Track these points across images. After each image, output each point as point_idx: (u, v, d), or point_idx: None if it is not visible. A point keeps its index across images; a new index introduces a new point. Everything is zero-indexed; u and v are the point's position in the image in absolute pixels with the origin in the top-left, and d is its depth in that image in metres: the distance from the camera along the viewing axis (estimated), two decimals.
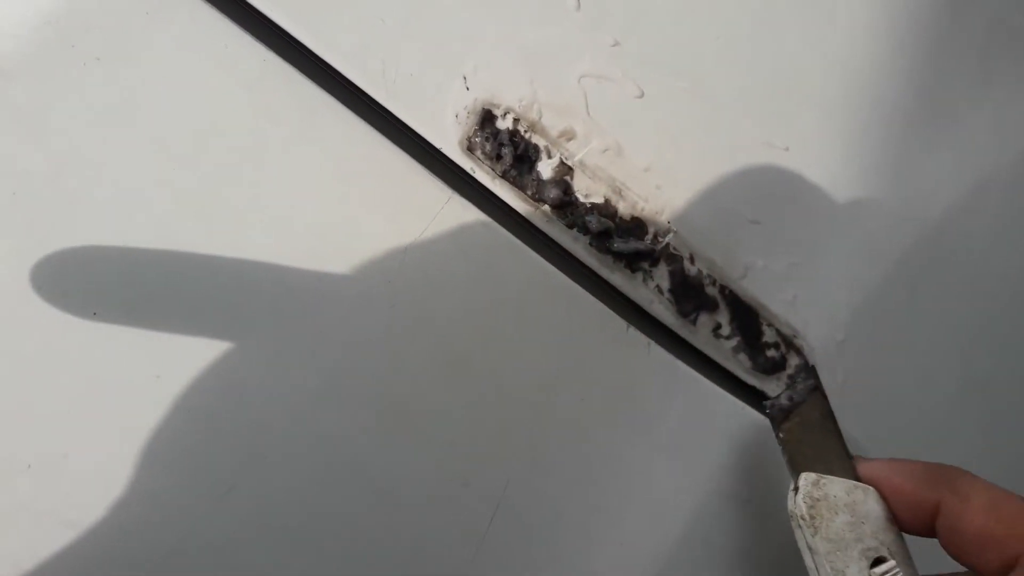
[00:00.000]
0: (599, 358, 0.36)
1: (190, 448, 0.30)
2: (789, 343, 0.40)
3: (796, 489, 0.33)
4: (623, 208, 0.36)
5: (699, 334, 0.38)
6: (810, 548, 0.33)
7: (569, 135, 0.35)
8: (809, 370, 0.37)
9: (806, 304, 0.41)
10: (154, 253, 0.30)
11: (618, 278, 0.37)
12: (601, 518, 0.36)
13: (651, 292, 0.37)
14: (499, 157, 0.34)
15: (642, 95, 0.36)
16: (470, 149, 0.34)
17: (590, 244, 0.36)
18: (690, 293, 0.38)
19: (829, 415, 0.35)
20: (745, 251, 0.39)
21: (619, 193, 0.36)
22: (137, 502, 0.29)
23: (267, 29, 0.31)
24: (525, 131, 0.35)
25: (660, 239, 0.37)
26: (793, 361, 0.40)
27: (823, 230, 0.41)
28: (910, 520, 0.33)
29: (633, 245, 0.36)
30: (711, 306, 0.38)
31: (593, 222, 0.35)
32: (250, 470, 0.30)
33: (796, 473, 0.34)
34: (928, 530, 0.32)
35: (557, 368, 0.35)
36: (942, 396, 0.46)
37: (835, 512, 0.33)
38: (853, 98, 0.42)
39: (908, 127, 0.44)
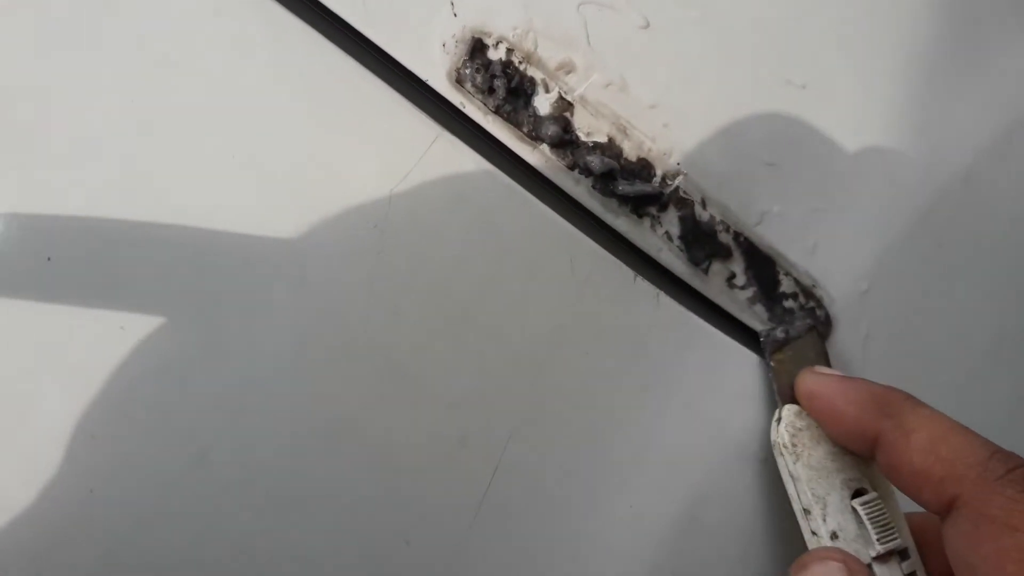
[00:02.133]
0: (604, 310, 0.34)
1: (160, 406, 0.28)
2: (808, 293, 0.37)
3: (779, 419, 0.34)
4: (628, 148, 0.34)
5: (712, 284, 0.36)
6: (792, 476, 0.33)
7: (568, 67, 0.33)
8: (809, 311, 0.36)
9: (827, 253, 0.38)
10: (116, 195, 0.27)
11: (623, 224, 0.34)
12: (608, 478, 0.34)
13: (660, 239, 0.35)
14: (491, 90, 0.32)
15: (647, 25, 0.34)
16: (459, 82, 0.31)
17: (593, 187, 0.33)
18: (702, 240, 0.35)
19: (823, 355, 0.35)
20: (761, 196, 0.37)
21: (624, 132, 0.34)
22: (100, 465, 0.27)
23: None
24: (520, 62, 0.32)
25: (669, 182, 0.35)
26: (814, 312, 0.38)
27: (844, 175, 0.39)
28: (851, 447, 0.32)
29: (639, 188, 0.34)
30: (724, 254, 0.36)
31: (596, 162, 0.33)
32: (227, 431, 0.28)
33: (782, 403, 0.34)
34: (869, 455, 0.32)
35: (559, 320, 0.33)
36: (973, 350, 0.43)
37: (817, 442, 0.33)
38: (877, 35, 0.39)
39: (935, 68, 0.41)
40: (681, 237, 0.35)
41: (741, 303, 0.36)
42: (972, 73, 0.42)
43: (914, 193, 0.41)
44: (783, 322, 0.36)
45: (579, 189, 0.33)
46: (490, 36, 0.32)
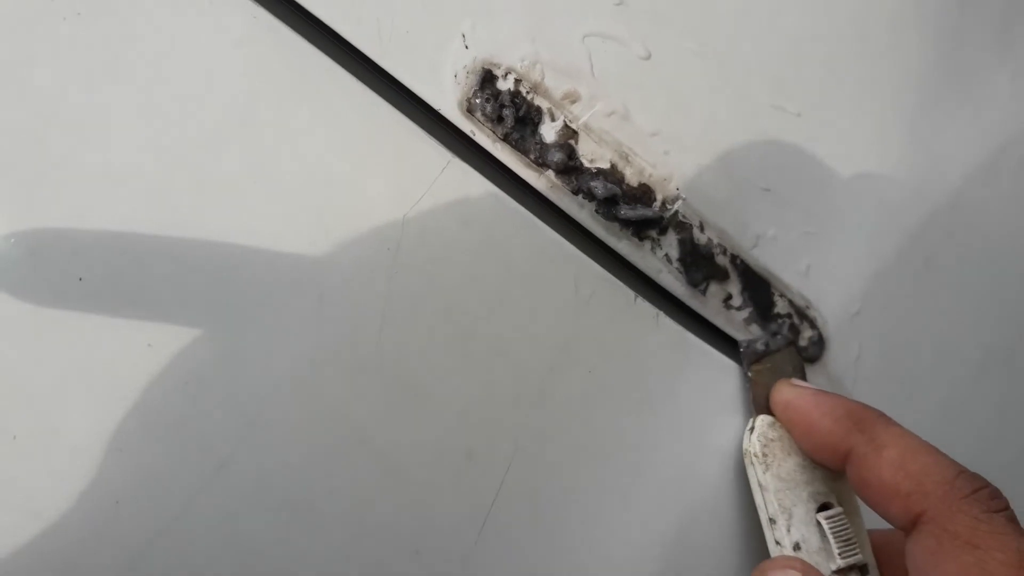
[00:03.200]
0: (606, 329, 0.35)
1: (183, 420, 0.29)
2: (802, 314, 0.39)
3: (752, 429, 0.35)
4: (630, 174, 0.35)
5: (709, 305, 0.37)
6: (760, 485, 0.34)
7: (573, 97, 0.34)
8: (792, 328, 0.37)
9: (820, 275, 0.40)
10: (142, 218, 0.29)
11: (625, 246, 0.35)
12: (609, 493, 0.35)
13: (659, 261, 0.36)
14: (500, 119, 0.33)
15: (649, 56, 0.35)
16: (470, 111, 0.33)
17: (596, 211, 0.35)
18: (700, 262, 0.37)
19: (800, 370, 0.36)
20: (756, 219, 0.38)
21: (626, 158, 0.35)
22: (126, 477, 0.28)
23: None
24: (527, 92, 0.33)
25: (669, 206, 0.36)
26: (806, 333, 0.39)
27: (837, 198, 0.40)
28: (822, 459, 0.33)
29: (641, 212, 0.35)
30: (721, 276, 0.37)
31: (599, 188, 0.34)
32: (246, 443, 0.29)
33: (756, 414, 0.35)
34: (839, 469, 0.33)
35: (563, 339, 0.34)
36: (961, 371, 0.45)
37: (788, 454, 0.34)
38: (868, 65, 0.41)
39: (924, 92, 0.42)
40: (680, 259, 0.36)
41: (737, 323, 0.37)
42: (959, 100, 0.43)
43: (904, 216, 0.42)
44: (763, 335, 0.37)
45: (583, 213, 0.35)
46: (499, 67, 0.33)
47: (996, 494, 0.29)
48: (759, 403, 0.35)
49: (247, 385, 0.29)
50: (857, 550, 0.33)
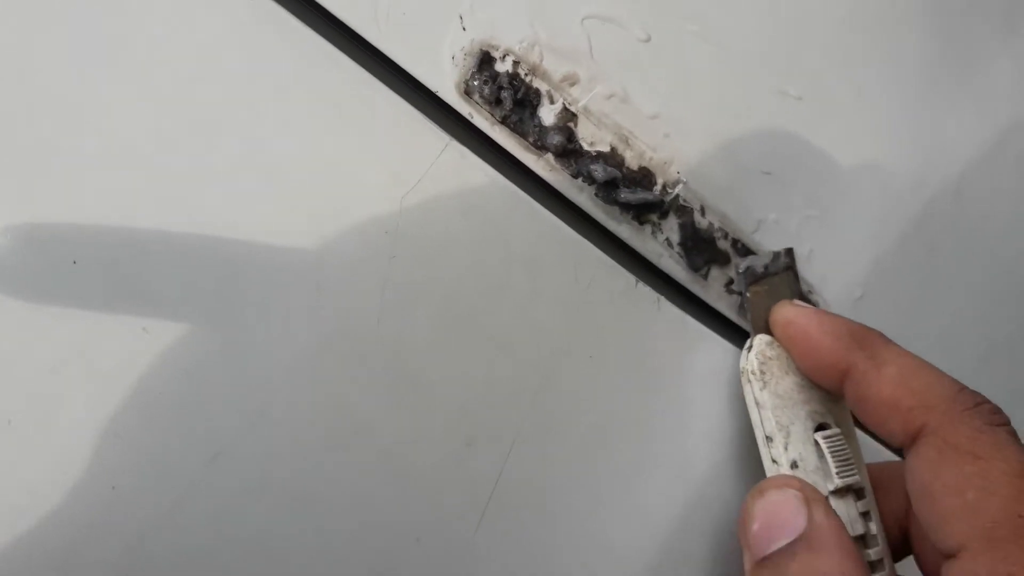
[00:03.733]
0: (607, 314, 0.35)
1: (181, 406, 0.29)
2: (804, 299, 0.38)
3: (750, 347, 0.34)
4: (630, 157, 0.35)
5: (710, 289, 0.37)
6: (757, 402, 0.33)
7: (572, 80, 0.34)
8: (788, 252, 0.36)
9: (822, 260, 0.39)
10: (137, 202, 0.28)
11: (625, 230, 0.35)
12: (610, 479, 0.34)
13: (660, 245, 0.36)
14: (498, 101, 0.33)
15: (649, 38, 0.35)
16: (467, 93, 0.32)
17: (596, 194, 0.34)
18: (701, 247, 0.36)
19: (798, 293, 0.36)
20: (758, 204, 0.38)
21: (626, 141, 0.35)
22: (124, 463, 0.28)
23: None
24: (526, 75, 0.33)
25: (669, 190, 0.36)
26: None
27: (839, 183, 0.40)
28: (820, 378, 0.33)
29: (641, 196, 0.35)
30: (723, 260, 0.37)
31: (599, 171, 0.34)
32: (244, 430, 0.29)
33: (755, 334, 0.34)
34: (837, 390, 0.32)
35: (563, 325, 0.34)
36: (964, 359, 0.44)
37: (785, 372, 0.34)
38: (870, 46, 0.41)
39: (927, 78, 0.42)
40: (681, 244, 0.36)
41: (738, 308, 0.37)
42: (963, 86, 0.43)
43: (906, 202, 0.42)
44: (764, 256, 0.36)
45: (582, 197, 0.34)
46: (497, 49, 0.33)
47: (997, 409, 0.29)
48: (757, 324, 0.35)
49: (245, 372, 0.29)
50: (855, 471, 0.33)
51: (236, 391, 0.29)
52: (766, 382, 0.33)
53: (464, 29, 0.32)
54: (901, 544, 0.34)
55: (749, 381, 0.33)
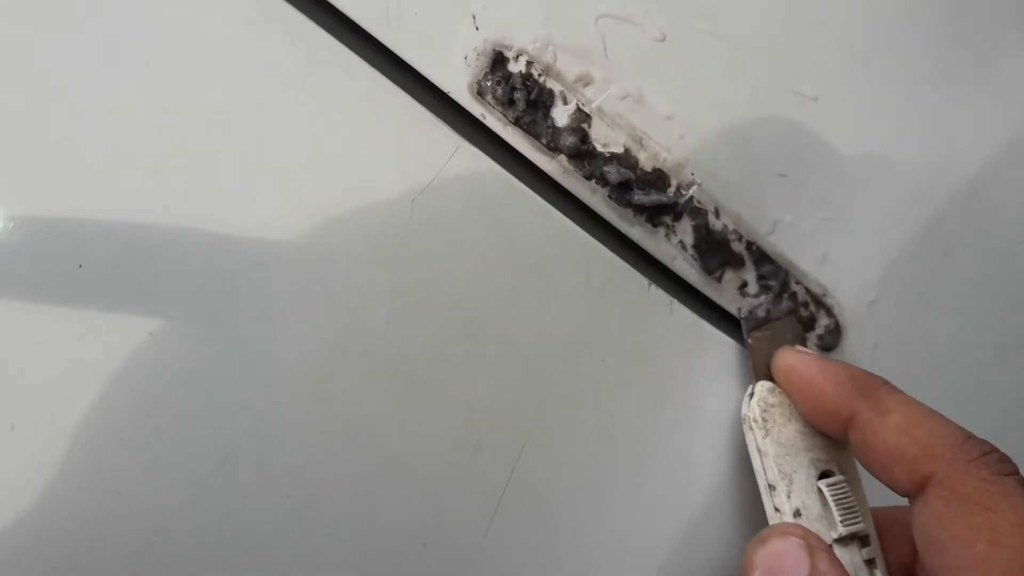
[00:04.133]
0: (619, 317, 0.34)
1: (186, 410, 0.28)
2: (819, 302, 0.38)
3: (752, 394, 0.34)
4: (644, 159, 0.34)
5: (724, 292, 0.36)
6: (759, 450, 0.33)
7: (586, 80, 0.33)
8: (791, 296, 0.36)
9: (836, 262, 0.39)
10: (144, 204, 0.28)
11: (638, 233, 0.35)
12: (621, 485, 0.34)
13: (674, 248, 0.35)
14: (511, 102, 0.32)
15: (664, 38, 0.34)
16: (480, 93, 0.32)
17: (609, 196, 0.34)
18: (715, 249, 0.36)
19: (800, 338, 0.36)
20: (773, 205, 0.37)
21: (640, 143, 0.34)
22: (128, 466, 0.27)
23: None
24: (539, 75, 0.32)
25: (683, 192, 0.35)
26: (822, 321, 0.38)
27: (854, 185, 0.39)
28: (823, 425, 0.33)
29: (655, 198, 0.34)
30: (737, 263, 0.36)
31: (612, 173, 0.33)
32: (250, 434, 0.29)
33: (756, 380, 0.34)
34: (841, 437, 0.32)
35: (574, 328, 0.33)
36: (978, 360, 0.44)
37: (788, 420, 0.33)
38: (885, 46, 0.40)
39: (942, 77, 0.42)
40: (695, 246, 0.36)
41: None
42: (977, 85, 0.42)
43: (921, 203, 0.41)
44: (765, 302, 0.36)
45: (596, 199, 0.34)
46: (510, 49, 0.32)
47: (1005, 458, 0.28)
48: (759, 370, 0.35)
49: (251, 375, 0.29)
50: (859, 519, 0.32)
51: (242, 395, 0.29)
52: (768, 430, 0.33)
53: (477, 29, 0.32)
54: None
55: (751, 429, 0.33)
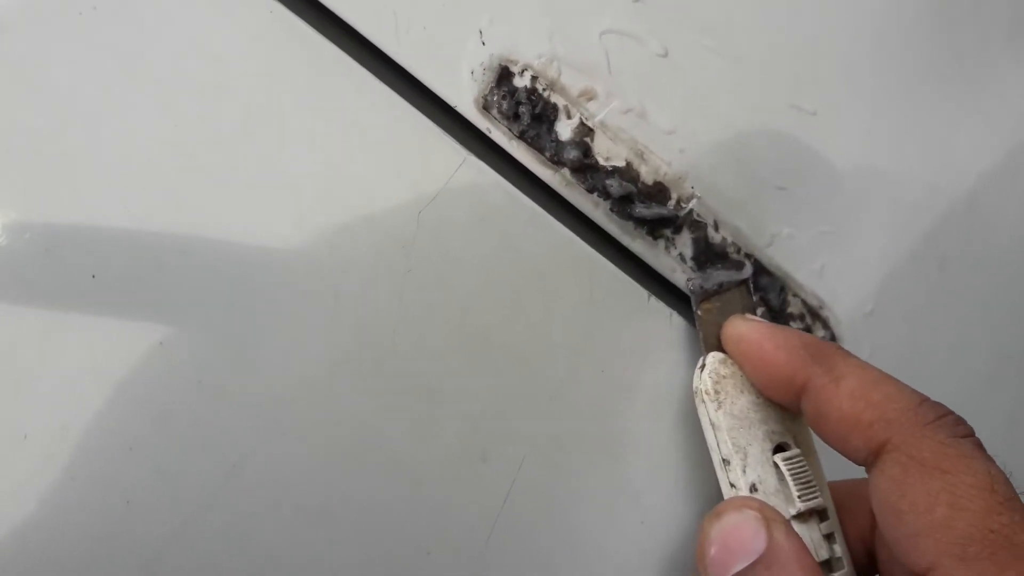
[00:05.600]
0: (620, 328, 0.35)
1: (196, 419, 0.29)
2: (815, 314, 0.38)
3: (703, 366, 0.33)
4: (645, 172, 0.35)
5: None
6: (712, 424, 0.32)
7: (589, 95, 0.34)
8: (737, 264, 0.36)
9: (833, 274, 0.39)
10: (156, 216, 0.28)
11: (639, 245, 0.35)
12: (622, 495, 0.34)
13: (674, 260, 0.36)
14: (516, 116, 0.33)
15: (666, 54, 0.35)
16: (486, 108, 0.32)
17: (611, 209, 0.34)
18: (714, 261, 0.36)
19: (751, 308, 0.35)
20: (771, 218, 0.38)
21: (641, 156, 0.35)
22: (137, 476, 0.28)
23: None
24: (544, 89, 0.33)
25: (683, 205, 0.36)
26: (819, 332, 0.39)
27: (852, 198, 0.40)
28: (776, 394, 0.32)
29: (656, 211, 0.35)
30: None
31: (614, 186, 0.34)
32: (259, 443, 0.29)
33: (706, 352, 0.33)
34: (794, 407, 0.31)
35: (576, 339, 0.34)
36: (972, 372, 0.45)
37: (740, 391, 0.32)
38: (882, 61, 0.41)
39: (940, 92, 0.42)
40: (694, 258, 0.36)
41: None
42: (973, 101, 0.43)
43: (918, 216, 0.42)
44: (713, 273, 0.35)
45: (598, 212, 0.34)
46: (516, 64, 0.32)
47: (960, 421, 0.28)
48: (708, 342, 0.34)
49: (260, 385, 0.29)
50: (817, 493, 0.31)
51: (250, 404, 0.29)
52: (721, 402, 0.32)
53: (483, 44, 0.32)
54: (867, 566, 0.33)
55: (703, 402, 0.32)
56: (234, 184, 0.29)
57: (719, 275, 0.35)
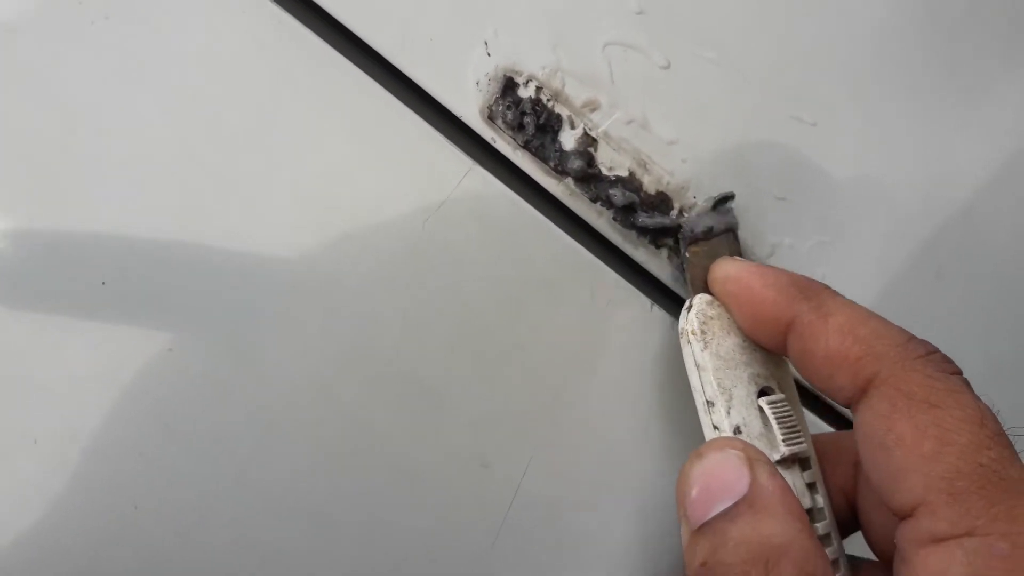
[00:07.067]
0: (622, 337, 0.35)
1: (204, 425, 0.29)
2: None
3: (690, 307, 0.32)
4: (648, 182, 0.35)
5: None
6: (697, 365, 0.31)
7: (593, 105, 0.34)
8: (727, 209, 0.35)
9: (834, 284, 0.39)
10: (166, 220, 0.29)
11: (642, 254, 0.35)
12: (625, 502, 0.35)
13: (676, 269, 0.36)
14: (521, 127, 0.33)
15: (668, 65, 0.35)
16: (491, 118, 0.33)
17: (614, 218, 0.35)
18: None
19: (738, 253, 0.35)
20: (772, 229, 0.38)
21: (644, 166, 0.35)
22: (146, 480, 0.28)
23: None
24: (548, 100, 0.33)
25: (685, 214, 0.36)
26: None
27: (851, 208, 0.40)
28: (763, 334, 0.31)
29: (658, 220, 0.35)
30: None
31: (618, 196, 0.34)
32: (264, 449, 0.29)
33: (694, 294, 0.33)
34: (780, 347, 0.31)
35: (579, 347, 0.34)
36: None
37: (727, 333, 0.32)
38: (881, 72, 0.41)
39: (938, 103, 0.43)
40: None
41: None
42: (971, 110, 0.43)
43: (915, 226, 0.42)
44: (703, 217, 0.35)
45: (601, 221, 0.35)
46: (521, 75, 0.33)
47: (948, 359, 0.28)
48: (696, 284, 0.34)
49: (266, 391, 0.29)
50: (802, 439, 0.31)
51: (256, 410, 0.30)
52: (707, 343, 0.31)
53: (489, 55, 0.32)
54: (847, 520, 0.33)
55: (689, 342, 0.32)
56: (242, 192, 0.29)
57: (708, 219, 0.35)
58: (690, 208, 0.36)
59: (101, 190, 0.28)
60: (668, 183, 0.36)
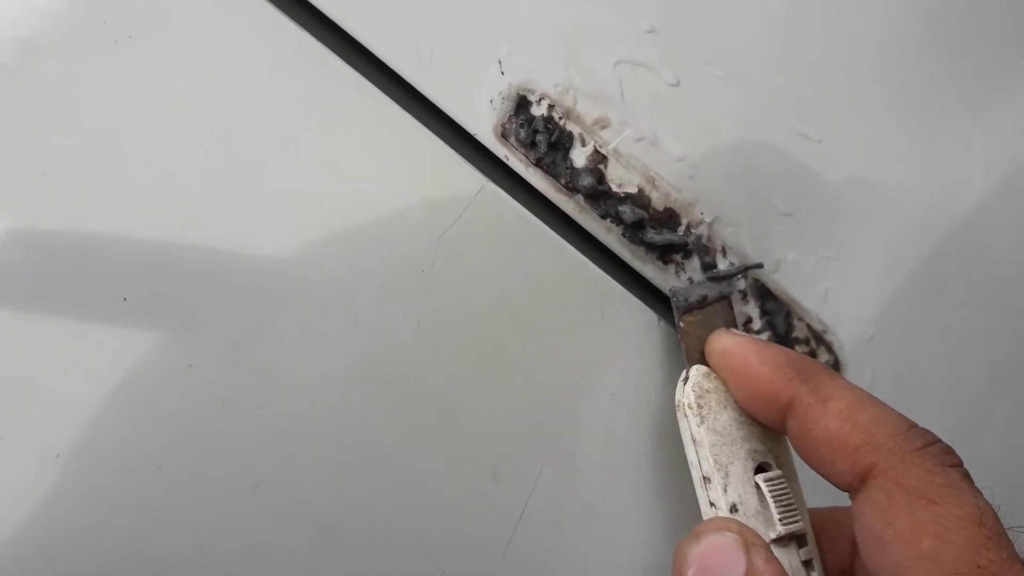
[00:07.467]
0: (630, 351, 0.36)
1: (222, 439, 0.29)
2: (819, 338, 0.39)
3: (686, 379, 0.32)
4: (656, 198, 0.36)
5: None
6: (694, 439, 0.31)
7: (604, 123, 0.35)
8: (726, 277, 0.36)
9: (837, 299, 0.40)
10: (186, 236, 0.29)
11: (650, 270, 0.36)
12: (634, 515, 0.35)
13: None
14: (533, 144, 0.33)
15: (678, 83, 0.36)
16: (504, 136, 0.33)
17: (623, 235, 0.35)
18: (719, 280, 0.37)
19: (733, 323, 0.35)
20: (777, 244, 0.38)
21: (653, 183, 0.36)
22: (163, 494, 0.28)
23: (302, 9, 0.31)
24: (560, 118, 0.34)
25: (693, 231, 0.36)
26: (823, 356, 0.40)
27: (855, 224, 0.41)
28: (760, 411, 0.31)
29: (667, 236, 0.35)
30: (743, 300, 0.38)
31: (627, 212, 0.35)
32: (281, 462, 0.30)
33: (689, 365, 0.33)
34: (778, 424, 0.30)
35: (588, 361, 0.35)
36: (969, 393, 0.45)
37: (724, 407, 0.32)
38: (886, 90, 0.42)
39: (941, 117, 0.43)
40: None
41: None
42: (974, 125, 0.44)
43: (918, 241, 0.43)
44: (697, 285, 0.35)
45: (610, 237, 0.35)
46: (534, 93, 0.33)
47: (949, 450, 0.27)
48: (691, 355, 0.33)
49: (282, 405, 0.30)
50: (798, 517, 0.31)
51: (272, 424, 0.30)
52: (703, 417, 0.31)
53: (502, 74, 0.33)
54: None
55: (685, 416, 0.32)
56: (259, 209, 0.30)
57: (702, 288, 0.35)
58: (697, 224, 0.36)
59: (123, 206, 0.28)
60: (676, 199, 0.36)
